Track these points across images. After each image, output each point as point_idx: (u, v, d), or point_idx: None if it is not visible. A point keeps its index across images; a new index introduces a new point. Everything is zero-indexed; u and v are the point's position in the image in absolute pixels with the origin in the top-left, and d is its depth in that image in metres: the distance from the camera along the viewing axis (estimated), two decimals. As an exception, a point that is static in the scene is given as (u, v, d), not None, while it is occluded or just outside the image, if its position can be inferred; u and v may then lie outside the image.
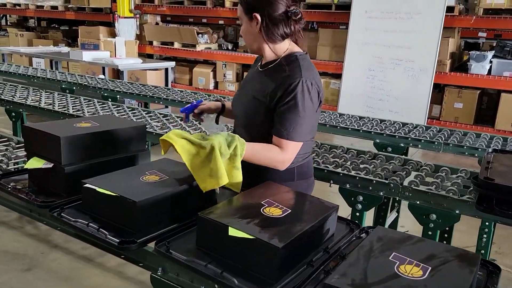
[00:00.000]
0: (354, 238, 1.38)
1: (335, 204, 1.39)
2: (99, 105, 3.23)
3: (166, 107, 4.73)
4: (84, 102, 3.30)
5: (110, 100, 3.86)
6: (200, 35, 7.60)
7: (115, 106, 3.21)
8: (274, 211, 1.28)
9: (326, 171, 2.07)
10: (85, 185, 1.41)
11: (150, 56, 8.24)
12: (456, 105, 5.87)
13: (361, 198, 1.96)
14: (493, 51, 5.68)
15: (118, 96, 3.92)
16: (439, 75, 5.68)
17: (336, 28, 6.77)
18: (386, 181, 1.93)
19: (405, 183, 1.94)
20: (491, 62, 5.56)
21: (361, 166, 2.15)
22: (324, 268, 1.18)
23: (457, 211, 1.77)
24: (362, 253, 1.10)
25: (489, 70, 5.58)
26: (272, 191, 1.44)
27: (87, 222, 1.36)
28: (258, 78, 1.71)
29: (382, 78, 5.95)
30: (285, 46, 1.66)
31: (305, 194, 1.45)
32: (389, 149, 2.76)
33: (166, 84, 5.63)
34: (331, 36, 6.63)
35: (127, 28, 7.93)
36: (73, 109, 3.06)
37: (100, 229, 1.33)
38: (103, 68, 6.10)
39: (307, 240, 1.23)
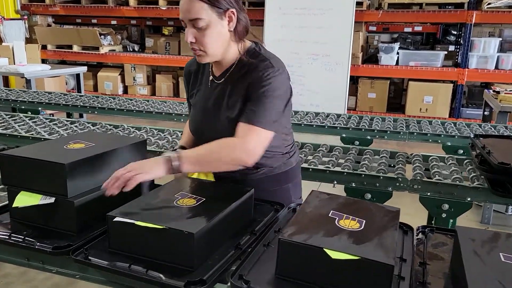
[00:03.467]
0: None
1: (395, 207, 1.31)
2: (29, 120, 2.77)
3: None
4: (9, 118, 2.81)
5: (29, 113, 3.36)
6: (102, 36, 7.04)
7: (49, 120, 2.78)
8: (351, 224, 1.17)
9: (345, 173, 1.97)
10: (115, 219, 1.15)
11: (43, 62, 7.42)
12: (370, 95, 6.22)
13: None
14: (398, 43, 6.11)
15: (40, 108, 3.42)
16: (353, 68, 5.96)
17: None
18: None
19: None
20: (397, 53, 5.98)
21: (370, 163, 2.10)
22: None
23: (468, 199, 1.81)
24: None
25: (396, 61, 6.00)
26: (326, 201, 1.31)
27: (128, 264, 1.11)
28: (220, 93, 1.48)
29: (300, 73, 6.06)
30: (244, 43, 1.48)
31: (362, 201, 1.36)
32: (357, 142, 2.78)
33: (79, 91, 5.09)
34: (244, 33, 6.58)
35: (14, 31, 7.05)
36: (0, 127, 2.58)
37: (149, 271, 1.09)
38: (-2, 77, 5.34)
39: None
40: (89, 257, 1.14)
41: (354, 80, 6.36)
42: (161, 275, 1.08)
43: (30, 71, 4.42)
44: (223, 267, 1.13)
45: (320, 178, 2.00)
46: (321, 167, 2.04)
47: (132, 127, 2.61)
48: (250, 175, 1.52)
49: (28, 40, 7.26)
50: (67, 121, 2.73)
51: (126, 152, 1.46)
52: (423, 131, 2.75)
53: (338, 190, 2.05)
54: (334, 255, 1.02)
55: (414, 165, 2.06)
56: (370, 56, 6.52)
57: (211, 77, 1.53)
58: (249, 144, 1.35)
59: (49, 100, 3.47)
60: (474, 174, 1.95)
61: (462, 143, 2.55)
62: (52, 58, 7.43)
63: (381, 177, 1.92)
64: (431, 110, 5.84)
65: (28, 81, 4.38)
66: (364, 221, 1.19)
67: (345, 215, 1.21)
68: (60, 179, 1.25)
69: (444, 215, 1.84)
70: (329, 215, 1.21)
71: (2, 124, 2.65)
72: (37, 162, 1.27)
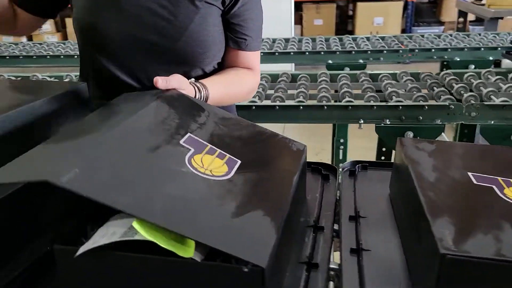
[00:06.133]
0: None
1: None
2: None
3: None
4: None
5: None
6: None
7: None
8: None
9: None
10: (60, 247, 0.51)
11: None
12: (316, 22, 5.65)
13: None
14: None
15: None
16: (294, -9, 5.29)
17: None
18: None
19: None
20: (343, -29, 5.40)
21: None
22: None
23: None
24: None
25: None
26: (440, 153, 0.74)
27: None
28: None
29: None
30: None
31: None
32: (347, 68, 2.22)
33: None
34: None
35: None
36: None
37: None
38: None
39: None
40: None
41: (296, 7, 5.72)
42: None
43: None
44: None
45: (334, 117, 1.44)
46: (344, 102, 1.46)
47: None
48: None
49: None
50: None
51: (50, 109, 0.78)
52: (425, 47, 2.25)
53: (366, 133, 1.51)
54: None
55: (458, 86, 1.54)
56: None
57: None
58: (258, 77, 1.08)
59: None
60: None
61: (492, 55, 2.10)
62: None
63: (425, 107, 1.39)
64: (382, 32, 5.40)
65: None
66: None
67: (501, 178, 0.66)
68: None
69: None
70: (475, 182, 0.65)
71: None
72: None
